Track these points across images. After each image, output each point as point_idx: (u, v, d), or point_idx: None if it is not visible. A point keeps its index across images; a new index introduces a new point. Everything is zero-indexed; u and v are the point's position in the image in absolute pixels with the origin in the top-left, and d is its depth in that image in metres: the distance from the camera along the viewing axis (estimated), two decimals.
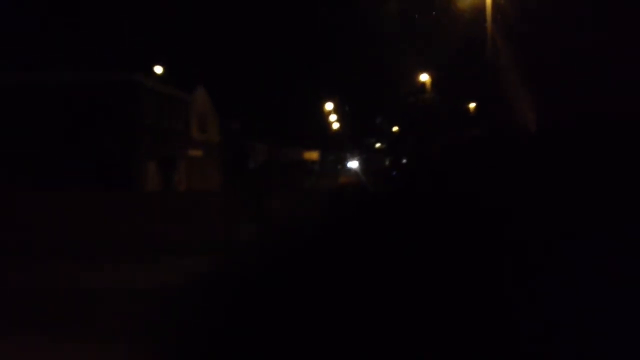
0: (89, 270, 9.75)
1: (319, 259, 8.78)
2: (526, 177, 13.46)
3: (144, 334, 6.13)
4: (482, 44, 18.96)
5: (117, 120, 24.90)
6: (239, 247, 12.04)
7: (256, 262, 9.80)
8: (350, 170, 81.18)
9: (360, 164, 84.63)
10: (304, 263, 8.68)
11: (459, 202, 14.81)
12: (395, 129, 60.10)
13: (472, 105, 38.13)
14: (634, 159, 10.38)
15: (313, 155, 68.45)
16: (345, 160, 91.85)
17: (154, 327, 6.36)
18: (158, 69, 31.55)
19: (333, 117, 65.35)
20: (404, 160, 53.31)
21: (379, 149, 78.99)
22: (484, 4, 18.24)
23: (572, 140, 13.01)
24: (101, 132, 24.62)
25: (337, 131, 71.64)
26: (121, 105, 25.05)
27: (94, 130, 24.55)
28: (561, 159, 12.88)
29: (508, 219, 10.83)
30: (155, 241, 12.43)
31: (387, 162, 64.04)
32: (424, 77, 37.38)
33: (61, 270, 9.75)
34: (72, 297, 7.81)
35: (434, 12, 23.78)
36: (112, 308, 7.20)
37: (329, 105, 58.28)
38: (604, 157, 11.30)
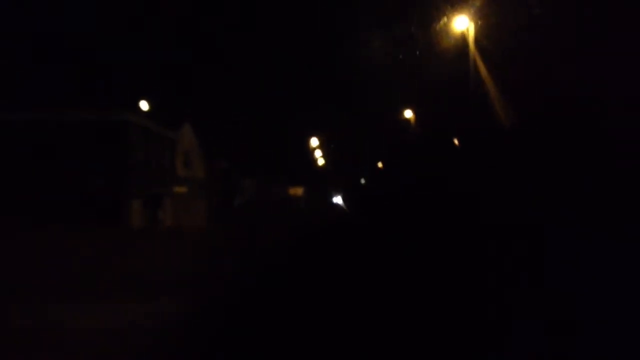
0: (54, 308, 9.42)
1: (305, 301, 8.65)
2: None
3: None
4: (466, 79, 19.36)
5: (105, 158, 24.86)
6: (223, 285, 11.86)
7: (241, 302, 9.63)
8: (335, 205, 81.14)
9: (345, 199, 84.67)
10: (291, 305, 8.56)
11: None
12: (380, 165, 60.50)
13: (456, 142, 38.64)
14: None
15: (298, 191, 68.53)
16: (331, 195, 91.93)
17: None
18: (144, 105, 31.62)
19: (318, 153, 65.73)
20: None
21: (364, 184, 79.25)
22: (466, 43, 18.70)
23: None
24: (88, 169, 24.50)
25: (322, 167, 71.96)
26: (111, 144, 25.04)
27: (82, 167, 24.44)
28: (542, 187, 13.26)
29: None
30: (132, 278, 12.19)
31: (372, 198, 64.15)
32: (408, 114, 37.89)
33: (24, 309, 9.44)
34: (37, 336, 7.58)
35: (417, 52, 24.26)
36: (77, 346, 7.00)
37: (314, 142, 58.68)
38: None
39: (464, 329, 6.31)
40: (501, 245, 11.08)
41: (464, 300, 7.49)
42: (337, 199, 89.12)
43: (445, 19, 19.13)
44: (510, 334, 5.94)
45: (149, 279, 11.92)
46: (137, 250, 17.05)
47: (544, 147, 14.20)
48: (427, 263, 10.85)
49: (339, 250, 15.43)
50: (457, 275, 9.15)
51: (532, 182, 14.10)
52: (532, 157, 15.00)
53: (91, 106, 25.35)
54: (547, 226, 10.95)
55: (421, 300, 7.81)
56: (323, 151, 65.99)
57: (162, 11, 47.04)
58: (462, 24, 18.40)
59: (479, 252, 11.13)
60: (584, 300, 6.60)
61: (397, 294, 8.46)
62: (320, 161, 69.79)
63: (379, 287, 9.11)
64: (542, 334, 5.83)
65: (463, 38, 18.88)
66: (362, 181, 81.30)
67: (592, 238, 8.62)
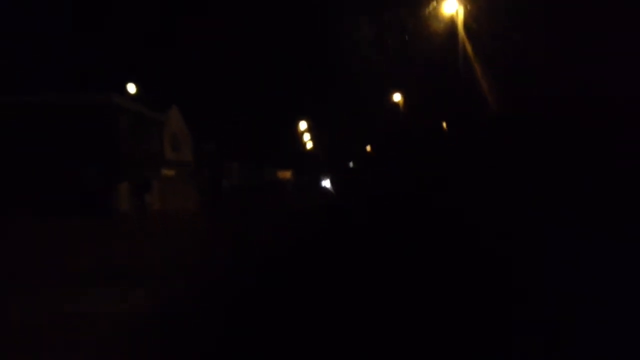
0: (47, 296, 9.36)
1: (295, 287, 8.64)
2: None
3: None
4: (455, 63, 19.34)
5: (92, 142, 24.59)
6: (214, 271, 11.84)
7: (234, 287, 9.61)
8: (324, 189, 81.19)
9: (334, 183, 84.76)
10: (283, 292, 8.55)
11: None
12: (368, 148, 60.55)
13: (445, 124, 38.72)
14: None
15: (287, 174, 68.51)
16: (319, 179, 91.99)
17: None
18: (131, 88, 31.28)
19: (307, 137, 65.61)
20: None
21: (353, 168, 79.36)
22: (455, 26, 18.65)
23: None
24: (74, 154, 24.25)
25: (310, 150, 71.89)
26: (97, 127, 24.78)
27: (67, 151, 24.18)
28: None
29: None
30: (121, 265, 12.14)
31: (361, 181, 64.28)
32: (397, 98, 37.86)
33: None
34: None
35: (406, 36, 24.14)
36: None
37: (302, 125, 58.53)
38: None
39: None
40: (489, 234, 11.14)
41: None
42: (326, 183, 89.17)
43: (434, 2, 19.03)
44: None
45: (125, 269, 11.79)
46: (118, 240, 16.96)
47: (533, 135, 14.27)
48: (418, 256, 10.84)
49: (325, 238, 15.34)
50: (445, 269, 9.13)
51: (520, 170, 14.20)
52: (519, 144, 15.08)
53: (76, 89, 25.04)
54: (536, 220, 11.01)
55: (411, 295, 7.78)
56: (312, 135, 65.93)
57: None
58: (451, 7, 18.33)
59: (466, 243, 11.12)
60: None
61: (384, 286, 8.43)
62: (309, 145, 69.74)
63: (363, 277, 9.08)
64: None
65: (452, 21, 18.82)
66: (351, 165, 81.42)
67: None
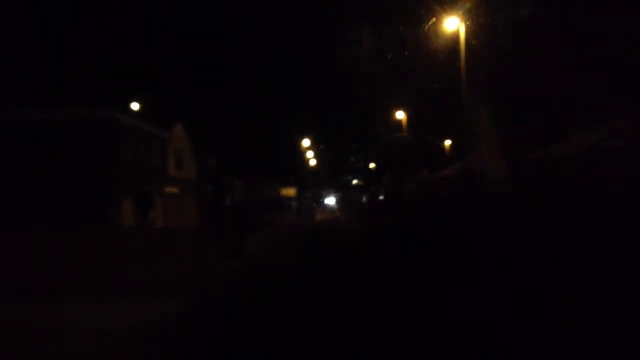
0: (49, 310, 9.34)
1: (296, 306, 8.53)
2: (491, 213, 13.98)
3: None
4: (457, 82, 19.39)
5: (95, 158, 24.68)
6: (214, 287, 11.77)
7: (231, 304, 9.53)
8: (327, 207, 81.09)
9: (337, 200, 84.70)
10: (282, 307, 8.46)
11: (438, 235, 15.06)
12: (372, 165, 60.61)
13: (447, 142, 38.78)
14: None
15: (290, 191, 68.36)
16: (323, 196, 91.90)
17: None
18: (135, 106, 31.45)
19: (310, 154, 65.65)
20: (381, 197, 53.61)
21: (356, 185, 79.37)
22: (457, 44, 18.72)
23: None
24: (78, 169, 24.32)
25: (314, 168, 71.89)
26: (99, 143, 24.88)
27: (71, 166, 24.25)
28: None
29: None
30: (125, 280, 12.10)
31: (364, 199, 64.26)
32: (400, 115, 37.95)
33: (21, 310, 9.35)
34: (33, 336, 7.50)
35: (406, 52, 24.22)
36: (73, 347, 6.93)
37: (306, 142, 58.59)
38: None
39: (459, 329, 6.24)
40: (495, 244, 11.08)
41: (459, 303, 7.39)
42: (330, 200, 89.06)
43: (434, 19, 19.12)
44: (509, 333, 5.89)
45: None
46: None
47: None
48: (425, 264, 10.75)
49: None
50: (452, 280, 9.06)
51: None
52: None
53: (80, 105, 25.13)
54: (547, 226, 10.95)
55: (415, 301, 7.73)
56: (315, 152, 65.97)
57: (154, 11, 46.82)
58: (452, 24, 18.41)
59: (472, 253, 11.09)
60: (584, 300, 6.57)
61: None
62: (313, 162, 69.75)
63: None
64: (542, 333, 5.79)
65: (454, 38, 18.89)
66: (354, 182, 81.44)
67: (592, 238, 8.59)
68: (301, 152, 62.06)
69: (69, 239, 15.69)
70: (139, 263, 14.97)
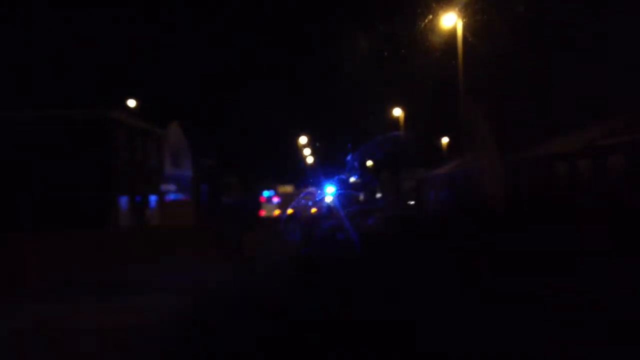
0: (52, 309, 9.33)
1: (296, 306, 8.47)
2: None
3: None
4: (454, 81, 19.37)
5: (91, 157, 24.53)
6: (212, 287, 11.75)
7: (230, 305, 9.49)
8: (324, 204, 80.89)
9: (334, 199, 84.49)
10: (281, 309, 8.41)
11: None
12: (369, 163, 60.59)
13: (444, 140, 38.84)
14: None
15: (288, 189, 68.23)
16: (319, 194, 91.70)
17: None
18: (131, 103, 31.30)
19: (307, 151, 65.55)
20: (379, 195, 53.65)
21: (353, 183, 79.25)
22: (455, 41, 18.69)
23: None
24: (74, 168, 24.17)
25: (311, 165, 71.78)
26: (95, 142, 24.73)
27: (67, 166, 24.10)
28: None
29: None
30: (121, 279, 12.09)
31: (361, 197, 64.22)
32: (397, 112, 37.91)
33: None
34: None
35: (402, 50, 24.14)
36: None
37: (302, 140, 58.50)
38: None
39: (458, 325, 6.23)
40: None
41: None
42: (327, 199, 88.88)
43: (431, 16, 19.07)
44: (507, 332, 5.90)
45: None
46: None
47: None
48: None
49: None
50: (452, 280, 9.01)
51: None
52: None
53: (75, 103, 24.93)
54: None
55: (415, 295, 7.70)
56: (312, 150, 65.90)
57: (148, 10, 46.72)
58: (449, 21, 18.36)
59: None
60: (583, 300, 6.58)
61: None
62: (310, 159, 69.67)
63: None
64: (541, 333, 5.81)
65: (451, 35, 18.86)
66: (352, 179, 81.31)
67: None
68: (299, 149, 62.00)
69: (69, 239, 15.66)
70: (138, 263, 14.96)
